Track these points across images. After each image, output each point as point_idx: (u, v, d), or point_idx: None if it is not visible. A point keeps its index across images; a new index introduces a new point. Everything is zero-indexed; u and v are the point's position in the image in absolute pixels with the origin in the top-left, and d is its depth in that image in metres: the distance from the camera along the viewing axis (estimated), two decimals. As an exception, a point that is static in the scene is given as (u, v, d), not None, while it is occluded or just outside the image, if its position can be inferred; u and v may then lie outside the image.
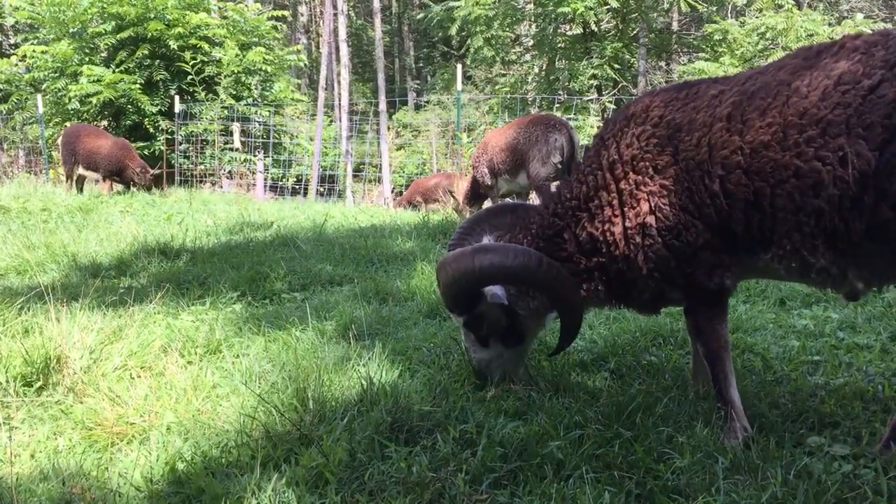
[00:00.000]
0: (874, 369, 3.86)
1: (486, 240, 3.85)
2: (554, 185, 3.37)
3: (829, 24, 21.61)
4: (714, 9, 25.18)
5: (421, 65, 49.16)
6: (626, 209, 3.23)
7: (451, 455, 2.92)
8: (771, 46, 21.37)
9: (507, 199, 11.47)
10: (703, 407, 3.39)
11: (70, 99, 19.15)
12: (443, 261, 3.53)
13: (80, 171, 15.17)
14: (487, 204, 11.81)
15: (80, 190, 15.31)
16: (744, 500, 2.49)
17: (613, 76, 24.19)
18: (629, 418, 3.19)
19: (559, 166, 9.79)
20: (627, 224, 3.23)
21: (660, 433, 3.03)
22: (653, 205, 3.14)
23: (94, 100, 18.67)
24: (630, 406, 3.27)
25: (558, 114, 19.96)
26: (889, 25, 25.78)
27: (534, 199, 10.83)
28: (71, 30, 20.24)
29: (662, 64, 31.12)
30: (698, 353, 3.67)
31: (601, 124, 3.66)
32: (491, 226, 3.98)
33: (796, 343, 4.31)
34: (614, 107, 22.33)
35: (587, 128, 20.30)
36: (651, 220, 3.15)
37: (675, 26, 29.32)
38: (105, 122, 19.57)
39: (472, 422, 3.18)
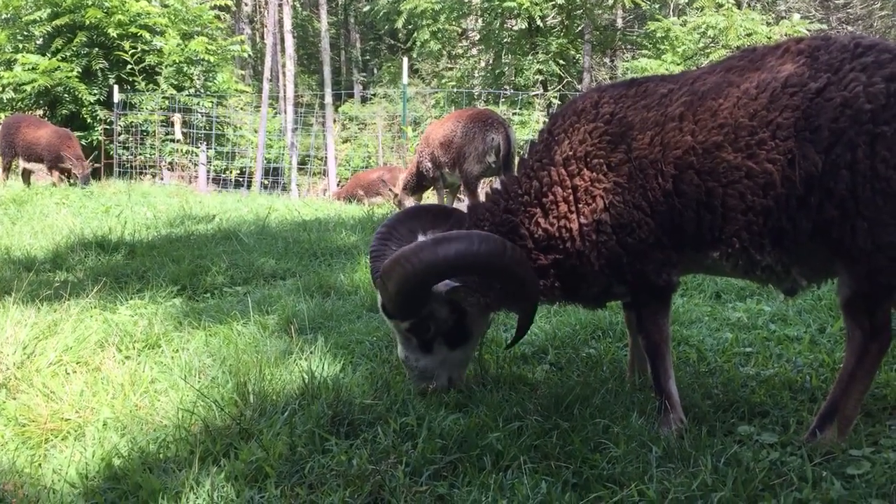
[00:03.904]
0: (803, 360, 3.99)
1: (421, 237, 3.62)
2: (498, 182, 3.36)
3: (768, 24, 22.14)
4: (657, 7, 25.62)
5: (367, 57, 48.87)
6: (580, 206, 3.23)
7: (391, 447, 2.93)
8: (711, 45, 21.82)
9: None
10: (638, 398, 3.47)
11: (3, 87, 18.59)
12: (395, 258, 3.24)
13: (23, 164, 14.76)
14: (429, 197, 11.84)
15: (28, 183, 14.89)
16: (675, 488, 2.55)
17: (558, 72, 24.46)
18: (567, 410, 3.25)
19: (493, 166, 9.86)
20: (583, 220, 3.22)
21: (596, 424, 3.08)
22: (607, 202, 3.16)
23: (28, 88, 18.18)
24: (568, 398, 3.32)
25: (503, 108, 20.11)
26: (825, 26, 26.53)
27: (464, 197, 10.81)
28: (3, 16, 19.65)
29: (607, 60, 31.52)
30: (635, 346, 3.74)
31: (547, 119, 3.62)
32: (420, 227, 3.76)
33: (730, 335, 4.43)
34: (559, 102, 22.57)
35: (532, 123, 20.48)
36: (606, 217, 3.16)
37: (619, 23, 29.72)
38: (40, 112, 19.05)
39: (413, 414, 3.20)
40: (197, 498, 2.62)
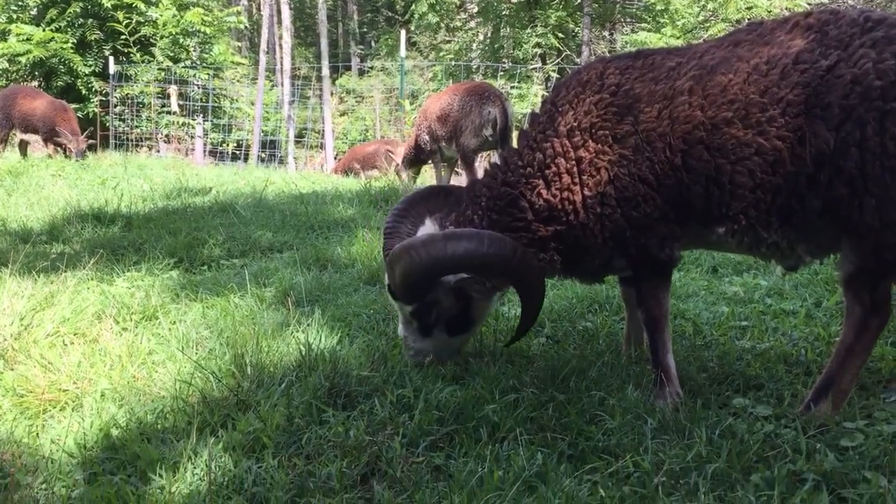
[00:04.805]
0: (798, 334, 4.01)
1: (428, 223, 3.62)
2: (496, 156, 3.33)
3: (768, -3, 21.94)
4: (657, -21, 25.35)
5: (365, 30, 48.45)
6: (584, 177, 3.20)
7: (388, 419, 2.95)
8: (711, 18, 21.65)
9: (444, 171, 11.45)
10: (634, 371, 3.49)
11: (-3, 58, 18.47)
12: (404, 247, 3.26)
13: (20, 135, 14.68)
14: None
15: (24, 154, 14.83)
16: (670, 459, 2.57)
17: (557, 45, 24.29)
18: (563, 382, 3.26)
19: (489, 139, 9.80)
20: (587, 193, 3.20)
21: (592, 396, 3.10)
22: (612, 174, 3.13)
23: (23, 59, 18.04)
24: (564, 370, 3.34)
25: (502, 81, 20.00)
26: (825, 0, 26.27)
27: (461, 171, 10.76)
28: (-3, -15, 19.49)
29: (606, 34, 31.28)
30: (632, 319, 3.75)
31: (550, 90, 3.58)
32: (428, 209, 3.73)
33: (726, 309, 4.44)
34: (558, 75, 22.44)
35: (530, 96, 20.38)
36: (610, 189, 3.14)
37: (618, -4, 29.45)
38: (35, 83, 18.94)
39: (410, 386, 3.21)
40: (195, 468, 2.64)
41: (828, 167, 2.78)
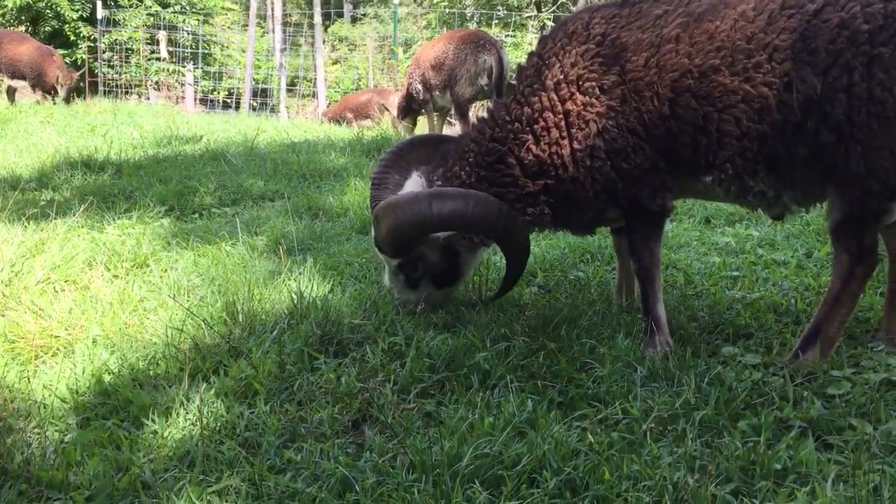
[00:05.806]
0: (789, 284, 4.02)
1: (415, 174, 3.58)
2: (483, 110, 3.32)
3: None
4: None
5: (357, -25, 47.60)
6: (573, 131, 3.18)
7: (379, 366, 2.96)
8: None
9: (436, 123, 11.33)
10: (625, 319, 3.50)
11: (-18, 2, 18.11)
12: (390, 203, 3.27)
13: (7, 81, 14.48)
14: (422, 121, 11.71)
15: (12, 100, 14.63)
16: (658, 406, 2.60)
17: (553, -8, 23.89)
18: (554, 330, 3.28)
19: (485, 88, 9.70)
20: (576, 146, 3.17)
21: (583, 344, 3.12)
22: (601, 126, 3.11)
23: (9, 3, 17.69)
24: (556, 319, 3.35)
25: (496, 30, 19.74)
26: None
27: (454, 121, 10.67)
28: (-19, -74, 19.02)
29: (602, -19, 30.82)
30: (623, 269, 3.76)
31: (537, 41, 3.55)
32: (416, 160, 3.70)
33: (717, 259, 4.45)
34: (553, 24, 22.14)
35: (525, 45, 20.14)
36: (599, 142, 3.12)
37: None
38: (22, 28, 18.61)
39: (402, 334, 3.22)
40: (187, 413, 2.66)
41: (814, 113, 2.76)
